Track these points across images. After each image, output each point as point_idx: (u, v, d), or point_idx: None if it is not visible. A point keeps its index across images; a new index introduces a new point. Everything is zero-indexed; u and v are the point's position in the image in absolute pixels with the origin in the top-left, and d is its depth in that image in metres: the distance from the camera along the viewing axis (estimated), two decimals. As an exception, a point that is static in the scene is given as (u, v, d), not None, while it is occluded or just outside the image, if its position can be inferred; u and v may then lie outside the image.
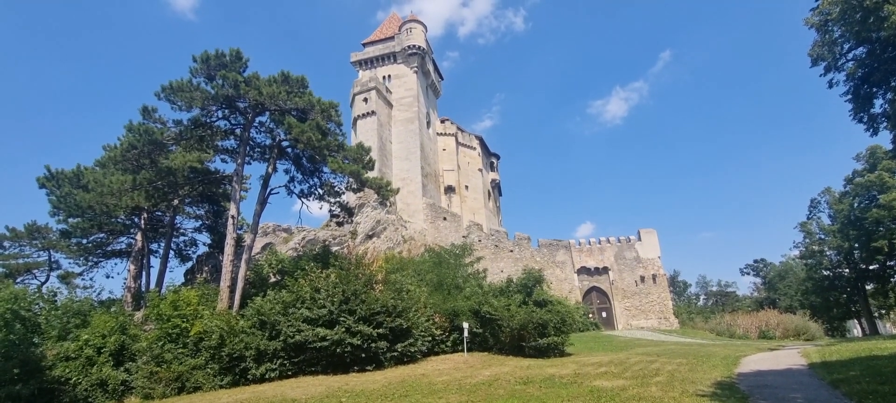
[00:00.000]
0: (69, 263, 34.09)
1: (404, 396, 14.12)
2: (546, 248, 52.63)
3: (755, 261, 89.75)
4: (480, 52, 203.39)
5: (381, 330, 20.48)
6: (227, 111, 25.82)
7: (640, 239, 51.64)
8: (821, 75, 20.78)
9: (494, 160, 79.42)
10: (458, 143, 69.51)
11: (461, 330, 23.55)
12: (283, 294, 21.66)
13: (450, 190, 65.06)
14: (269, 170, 26.17)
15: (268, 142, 28.11)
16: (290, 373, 19.98)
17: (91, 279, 36.26)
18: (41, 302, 22.12)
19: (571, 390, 13.02)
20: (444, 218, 55.21)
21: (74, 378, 17.81)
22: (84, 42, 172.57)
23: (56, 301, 21.52)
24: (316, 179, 28.43)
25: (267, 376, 19.57)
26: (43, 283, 32.31)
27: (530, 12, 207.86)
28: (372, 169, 26.36)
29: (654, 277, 49.83)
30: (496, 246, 52.54)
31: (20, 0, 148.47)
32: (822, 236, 55.96)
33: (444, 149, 67.49)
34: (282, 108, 24.63)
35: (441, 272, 26.86)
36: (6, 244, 31.67)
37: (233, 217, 24.76)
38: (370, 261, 24.09)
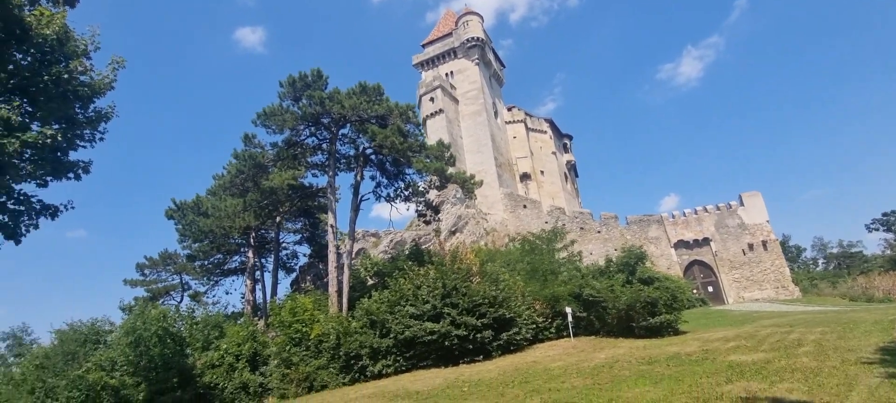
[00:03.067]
0: (196, 283, 38.49)
1: (524, 383, 14.12)
2: (636, 225, 49.97)
3: (885, 214, 78.24)
4: (535, 35, 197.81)
5: (484, 321, 20.68)
6: (312, 128, 27.49)
7: (742, 204, 47.24)
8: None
9: (567, 141, 76.99)
10: (527, 129, 68.28)
11: (564, 315, 23.08)
12: (386, 293, 22.63)
13: (525, 177, 64.13)
14: (358, 178, 27.46)
15: (351, 152, 29.53)
16: (404, 368, 20.83)
17: (214, 296, 40.34)
18: (181, 320, 25.00)
19: (706, 366, 12.20)
20: (524, 206, 54.50)
21: (221, 383, 20.02)
22: (177, 88, 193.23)
23: (195, 316, 24.32)
24: (400, 182, 29.34)
25: (383, 372, 20.57)
26: (179, 303, 36.80)
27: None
28: (453, 164, 26.68)
29: (764, 243, 45.34)
30: (581, 228, 50.83)
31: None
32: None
33: (514, 137, 66.65)
34: (362, 118, 25.71)
35: (534, 259, 26.52)
36: (147, 271, 36.62)
37: (332, 226, 26.35)
38: (463, 255, 24.41)
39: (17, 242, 12.15)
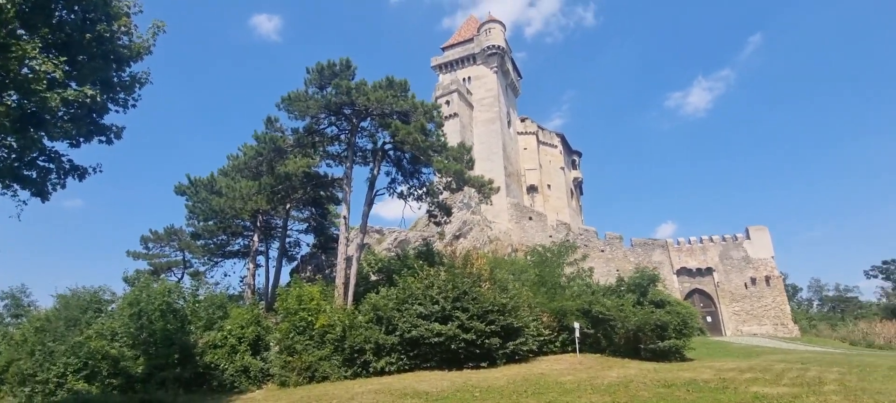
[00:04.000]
0: (197, 263, 38.18)
1: (538, 393, 13.92)
2: (640, 248, 49.91)
3: (885, 263, 78.35)
4: (549, 50, 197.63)
5: (493, 328, 20.50)
6: (333, 118, 27.34)
7: (748, 237, 47.28)
8: None
9: (576, 158, 76.96)
10: (538, 142, 68.27)
11: (570, 330, 22.88)
12: (395, 291, 22.42)
13: (532, 189, 64.04)
14: (375, 172, 27.28)
15: (369, 146, 29.38)
16: (406, 367, 20.59)
17: (212, 277, 40.02)
18: (184, 298, 24.63)
19: (729, 395, 12.04)
20: (530, 218, 54.37)
21: (222, 365, 19.73)
22: (186, 67, 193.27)
23: (198, 294, 23.97)
24: (415, 180, 29.18)
25: (386, 369, 20.32)
26: (179, 280, 36.49)
27: (600, 6, 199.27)
28: (472, 168, 26.53)
29: (767, 279, 45.35)
30: (585, 245, 50.64)
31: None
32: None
33: (525, 148, 66.62)
34: (385, 112, 25.56)
35: (543, 271, 26.34)
36: (150, 245, 36.33)
37: (344, 217, 26.15)
38: (474, 260, 24.24)
39: (45, 200, 11.96)
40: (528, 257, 31.50)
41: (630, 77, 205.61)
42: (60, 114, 11.00)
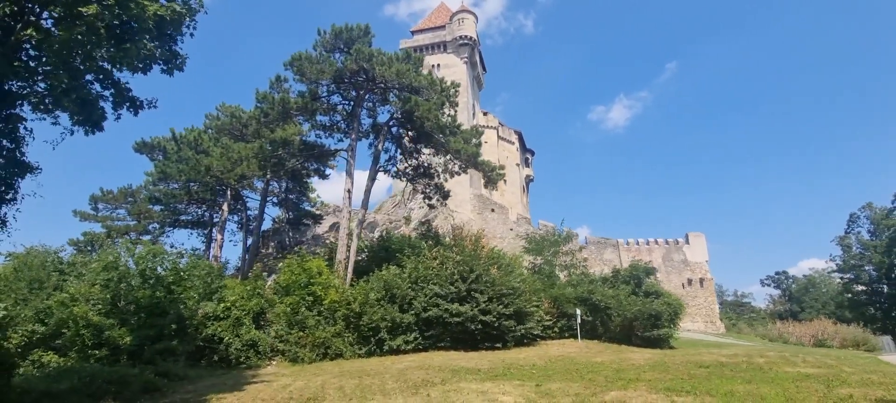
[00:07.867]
0: (152, 228, 34.07)
1: (594, 372, 14.29)
2: (594, 245, 53.04)
3: (777, 273, 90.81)
4: (488, 52, 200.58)
5: (509, 310, 20.81)
6: (334, 86, 25.87)
7: (687, 242, 52.17)
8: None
9: (529, 156, 79.66)
10: (498, 137, 69.64)
11: (568, 316, 23.85)
12: (408, 268, 21.90)
13: (491, 183, 65.27)
14: (379, 147, 26.30)
15: (368, 120, 28.25)
16: (422, 347, 20.25)
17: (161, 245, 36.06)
18: (165, 265, 21.97)
19: (778, 373, 13.30)
20: (492, 210, 55.48)
21: (227, 338, 17.95)
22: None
23: (180, 262, 21.43)
24: (414, 160, 28.58)
25: (402, 348, 19.81)
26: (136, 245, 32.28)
27: (540, 15, 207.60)
28: (480, 152, 26.50)
29: (701, 281, 50.39)
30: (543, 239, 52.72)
31: None
32: (862, 251, 56.69)
33: (486, 142, 67.43)
34: (401, 86, 24.67)
35: (545, 258, 27.07)
36: (100, 205, 31.64)
37: (348, 190, 24.89)
38: (484, 244, 24.33)
39: (95, 131, 10.12)
40: (525, 243, 32.17)
41: (560, 87, 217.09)
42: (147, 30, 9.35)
